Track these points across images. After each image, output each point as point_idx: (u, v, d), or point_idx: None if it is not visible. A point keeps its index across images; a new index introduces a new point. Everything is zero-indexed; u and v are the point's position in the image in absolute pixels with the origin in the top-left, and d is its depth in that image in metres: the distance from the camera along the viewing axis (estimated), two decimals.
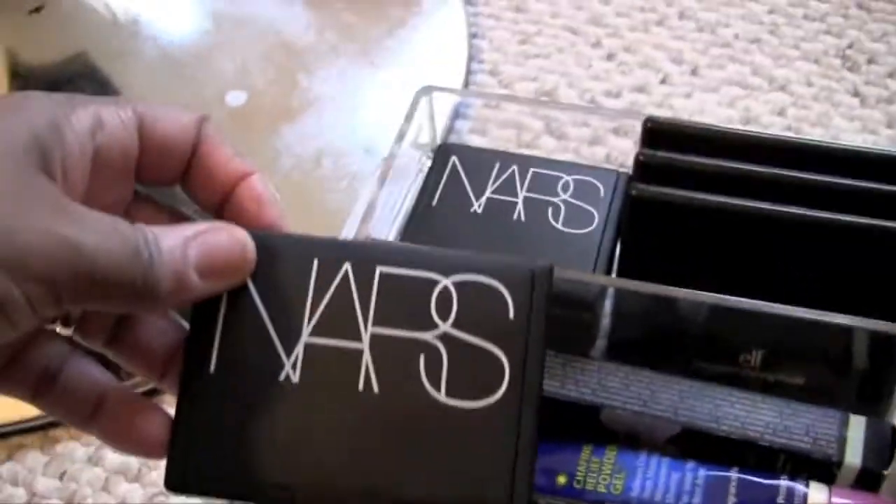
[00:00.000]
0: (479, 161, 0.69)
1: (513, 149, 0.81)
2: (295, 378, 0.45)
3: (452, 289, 0.46)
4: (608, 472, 0.61)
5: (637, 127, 0.66)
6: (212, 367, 0.45)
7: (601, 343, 0.68)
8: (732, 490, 0.60)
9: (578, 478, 0.61)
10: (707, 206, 0.62)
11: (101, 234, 0.39)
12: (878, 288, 0.62)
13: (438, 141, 0.72)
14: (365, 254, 0.46)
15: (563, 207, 0.66)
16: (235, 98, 0.86)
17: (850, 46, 0.88)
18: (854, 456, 0.60)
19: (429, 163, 0.70)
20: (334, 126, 0.85)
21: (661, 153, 0.64)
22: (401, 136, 0.68)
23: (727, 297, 0.60)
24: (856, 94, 0.85)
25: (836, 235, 0.61)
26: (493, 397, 0.45)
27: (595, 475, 0.61)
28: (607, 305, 0.67)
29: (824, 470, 0.60)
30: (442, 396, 0.45)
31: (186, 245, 0.42)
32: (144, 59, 0.86)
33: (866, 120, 0.83)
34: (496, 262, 0.46)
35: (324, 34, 0.90)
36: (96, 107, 0.43)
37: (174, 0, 0.91)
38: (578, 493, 0.61)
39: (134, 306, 0.42)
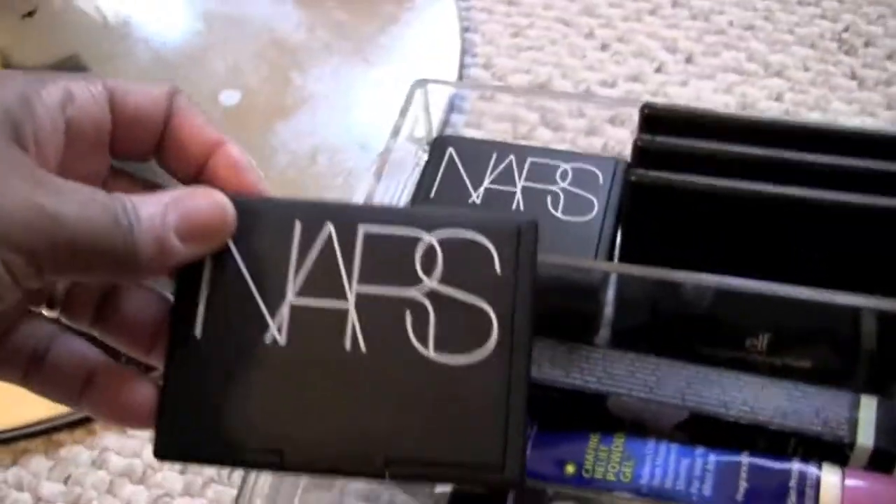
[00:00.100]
0: (476, 152, 0.68)
1: (509, 141, 0.81)
2: (281, 340, 0.44)
3: (437, 245, 0.45)
4: (617, 460, 0.61)
5: (634, 116, 0.65)
6: (197, 333, 0.45)
7: (605, 331, 0.67)
8: (743, 475, 0.59)
9: (587, 467, 0.61)
10: (708, 190, 0.62)
11: (79, 203, 0.39)
12: (884, 267, 0.61)
13: (434, 134, 0.72)
14: (347, 213, 0.46)
15: (562, 196, 0.65)
16: (229, 97, 0.85)
17: (846, 30, 0.88)
18: (866, 437, 0.59)
19: (425, 156, 0.69)
20: (329, 123, 0.84)
21: (659, 138, 0.64)
22: (396, 131, 0.68)
23: (731, 279, 0.59)
24: (853, 77, 0.84)
25: (839, 215, 0.61)
26: (482, 352, 0.44)
27: (604, 463, 0.60)
28: (610, 293, 0.66)
29: (836, 452, 0.60)
30: (430, 353, 0.44)
31: (165, 210, 0.41)
32: (136, 60, 0.86)
33: (865, 103, 0.83)
34: (480, 217, 0.46)
35: (316, 32, 0.90)
36: (66, 82, 0.43)
37: (165, 1, 0.90)
38: (587, 481, 0.60)
39: (116, 275, 0.42)
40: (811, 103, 0.83)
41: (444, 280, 0.45)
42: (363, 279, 0.45)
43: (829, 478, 0.59)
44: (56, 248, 0.38)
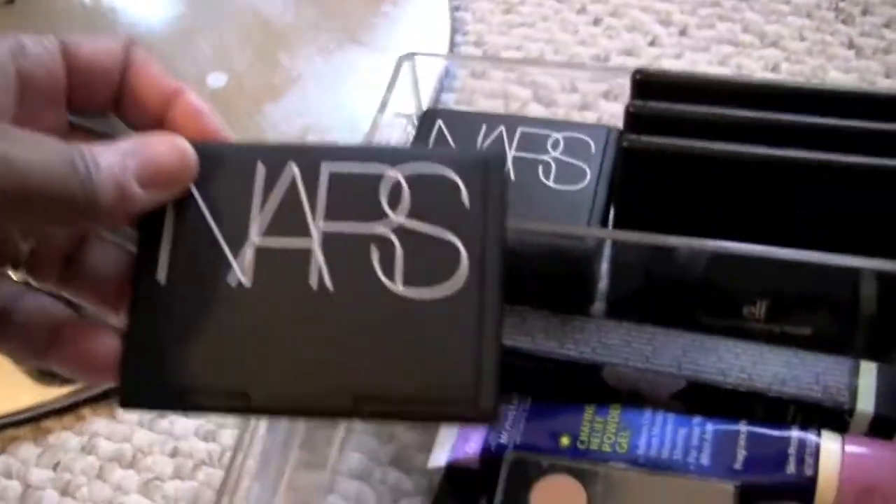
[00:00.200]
0: (466, 124, 0.67)
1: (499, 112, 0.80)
2: (246, 282, 0.43)
3: (403, 180, 0.44)
4: (613, 430, 0.59)
5: (627, 90, 0.64)
6: (161, 280, 0.44)
7: (601, 303, 0.66)
8: (742, 443, 0.58)
9: (582, 438, 0.60)
10: (701, 154, 0.61)
11: (33, 149, 0.38)
12: (881, 229, 0.60)
13: (424, 109, 0.70)
14: (311, 153, 0.45)
15: (553, 165, 0.64)
16: (216, 80, 0.84)
17: None
18: (866, 403, 0.58)
19: (414, 131, 0.68)
20: (318, 103, 0.83)
21: (651, 104, 0.63)
22: (384, 105, 0.67)
23: (728, 243, 0.58)
24: (851, 45, 0.83)
25: (835, 177, 0.60)
26: (452, 285, 0.42)
27: (599, 435, 0.59)
28: (605, 265, 0.65)
29: (836, 419, 0.59)
30: (399, 287, 0.43)
31: (125, 157, 0.40)
32: None
33: (863, 71, 0.82)
34: (447, 152, 0.44)
35: (303, 12, 0.89)
36: (16, 35, 0.42)
37: None
38: (583, 453, 0.59)
39: (77, 222, 0.41)
40: (808, 73, 0.82)
41: (411, 214, 0.43)
42: (328, 217, 0.44)
43: (829, 445, 0.58)
44: (11, 193, 0.37)
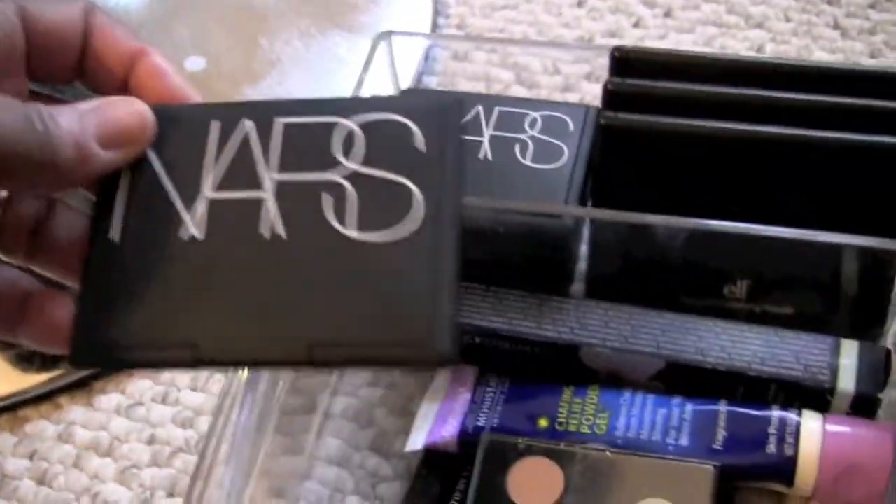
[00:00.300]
0: None
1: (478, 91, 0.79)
2: (199, 234, 0.43)
3: (357, 128, 0.43)
4: (591, 412, 0.59)
5: None
6: (115, 238, 0.43)
7: (580, 282, 0.65)
8: (722, 423, 0.58)
9: (560, 420, 0.59)
10: (680, 131, 0.60)
11: None
12: (862, 206, 0.59)
13: (401, 89, 0.70)
14: (265, 109, 0.45)
15: (530, 143, 0.63)
16: (194, 63, 0.84)
17: None
18: (847, 382, 0.58)
19: None
20: (298, 86, 0.83)
21: (629, 81, 0.62)
22: (359, 84, 0.66)
23: (708, 221, 0.57)
24: (836, 26, 0.82)
25: (815, 153, 0.59)
26: (406, 228, 0.42)
27: (577, 416, 0.59)
28: (584, 247, 0.64)
29: (818, 398, 0.58)
30: (352, 232, 0.42)
31: (84, 116, 0.40)
32: None
33: (848, 52, 0.81)
34: (402, 100, 0.45)
35: None
36: None
37: None
38: (561, 435, 0.58)
39: (35, 180, 0.41)
40: (793, 54, 0.81)
41: (365, 161, 0.43)
42: (282, 168, 0.43)
43: (810, 424, 0.57)
44: None
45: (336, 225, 0.42)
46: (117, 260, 0.43)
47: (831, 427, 0.57)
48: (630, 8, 0.85)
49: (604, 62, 0.64)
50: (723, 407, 0.58)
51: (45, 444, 0.69)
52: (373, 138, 0.43)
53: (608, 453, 0.57)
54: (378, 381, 0.67)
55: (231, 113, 0.45)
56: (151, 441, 0.68)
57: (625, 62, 0.63)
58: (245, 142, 0.44)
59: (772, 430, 0.57)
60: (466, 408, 0.61)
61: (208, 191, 0.43)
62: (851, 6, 0.84)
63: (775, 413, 0.58)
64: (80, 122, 0.40)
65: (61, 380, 0.71)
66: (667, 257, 0.60)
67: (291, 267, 0.42)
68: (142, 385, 0.71)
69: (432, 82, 0.82)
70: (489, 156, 0.63)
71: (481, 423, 0.60)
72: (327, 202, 0.42)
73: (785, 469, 0.56)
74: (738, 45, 0.82)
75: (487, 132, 0.64)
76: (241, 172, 0.43)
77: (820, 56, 0.81)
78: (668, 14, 0.85)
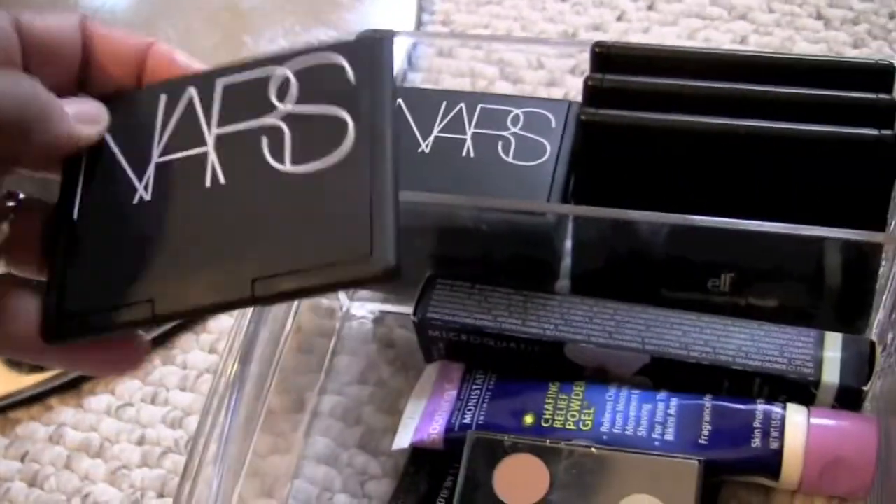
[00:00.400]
0: (426, 101, 0.66)
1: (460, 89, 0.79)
2: (147, 197, 0.44)
3: (291, 74, 0.45)
4: (577, 408, 0.59)
5: None
6: (75, 215, 0.45)
7: (565, 278, 0.65)
8: (707, 418, 0.58)
9: (546, 416, 0.59)
10: (660, 126, 0.60)
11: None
12: (845, 199, 0.59)
13: None
14: (207, 75, 0.46)
15: (513, 140, 0.63)
16: None
17: None
18: (831, 374, 0.58)
19: None
20: None
21: (610, 76, 0.62)
22: None
23: (690, 216, 0.57)
24: (819, 16, 0.82)
25: (796, 146, 0.59)
26: (339, 152, 0.43)
27: (563, 412, 0.59)
28: (567, 241, 0.65)
29: (802, 391, 0.58)
30: (287, 167, 0.43)
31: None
32: None
33: (831, 42, 0.81)
34: (332, 42, 0.45)
35: None
36: None
37: None
38: (547, 431, 0.59)
39: (29, 149, 0.42)
40: (776, 45, 0.81)
41: (299, 101, 0.44)
42: (221, 123, 0.45)
43: (795, 417, 0.57)
44: None
45: (273, 163, 0.43)
46: (78, 236, 0.45)
47: (816, 420, 0.57)
48: (614, 2, 0.85)
49: (587, 56, 0.64)
50: (708, 401, 0.58)
51: (36, 445, 0.70)
52: (305, 80, 0.44)
53: (593, 450, 0.57)
54: (366, 380, 0.68)
55: (176, 85, 0.46)
56: (141, 441, 0.69)
57: (606, 58, 0.63)
58: (188, 106, 0.46)
59: (757, 423, 0.57)
60: (452, 405, 0.61)
61: (156, 156, 0.45)
62: None
63: (760, 407, 0.58)
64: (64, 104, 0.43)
65: (51, 382, 0.71)
66: (650, 252, 0.61)
67: (232, 210, 0.43)
68: (131, 385, 0.71)
69: (417, 79, 0.82)
70: (472, 153, 0.63)
71: (467, 420, 0.60)
72: (264, 144, 0.44)
73: (771, 462, 0.57)
74: (722, 36, 0.82)
75: (470, 130, 0.64)
76: (186, 134, 0.45)
77: (803, 46, 0.81)
78: (651, 7, 0.85)
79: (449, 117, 0.65)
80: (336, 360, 0.69)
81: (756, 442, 0.57)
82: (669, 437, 0.57)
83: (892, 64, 0.61)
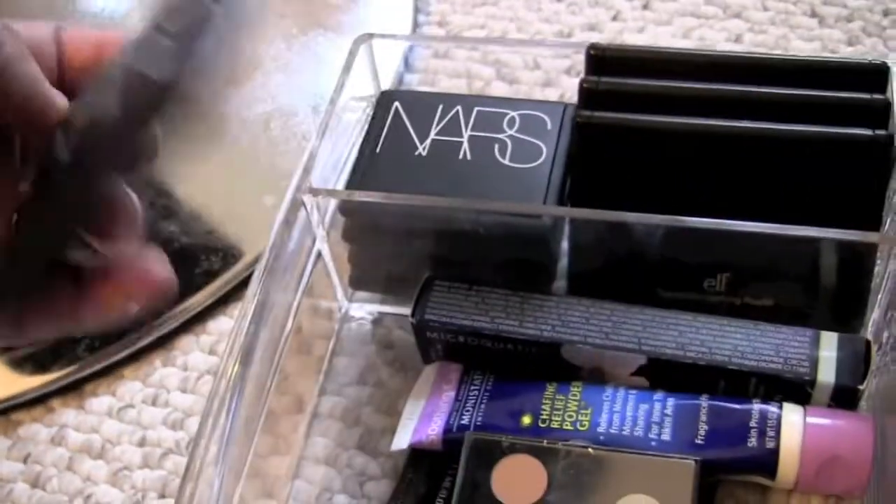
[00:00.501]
0: (422, 104, 0.67)
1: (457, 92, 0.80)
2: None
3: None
4: (574, 408, 0.59)
5: None
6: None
7: (562, 279, 0.66)
8: (703, 418, 0.58)
9: (543, 417, 0.60)
10: (655, 128, 0.61)
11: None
12: (840, 199, 0.60)
13: (382, 90, 0.70)
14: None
15: (509, 143, 0.64)
16: None
17: None
18: (827, 374, 0.58)
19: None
20: (281, 88, 0.83)
21: (605, 79, 0.62)
22: (340, 87, 0.66)
23: (686, 218, 0.58)
24: (813, 14, 0.83)
25: (791, 147, 0.59)
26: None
27: (560, 413, 0.59)
28: (564, 242, 0.65)
29: (798, 390, 0.59)
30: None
31: None
32: None
33: (826, 40, 0.81)
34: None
35: None
36: None
37: None
38: (545, 432, 0.59)
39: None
40: (771, 43, 0.82)
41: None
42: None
43: (791, 416, 0.58)
44: None
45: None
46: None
47: (812, 419, 0.58)
48: (609, 1, 0.86)
49: (583, 57, 0.64)
50: (704, 401, 0.59)
51: (39, 447, 0.70)
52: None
53: (590, 450, 0.57)
54: (365, 380, 0.68)
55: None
56: (142, 443, 0.69)
57: (601, 60, 0.64)
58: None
59: (753, 423, 0.58)
60: (451, 406, 0.61)
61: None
62: None
63: (756, 406, 0.58)
64: None
65: (53, 384, 0.72)
66: (646, 253, 0.61)
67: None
68: (132, 387, 0.72)
69: (413, 80, 0.83)
70: (468, 156, 0.63)
71: (465, 421, 0.60)
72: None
73: (767, 462, 0.57)
74: (717, 35, 0.83)
75: (467, 133, 0.64)
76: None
77: (797, 44, 0.81)
78: (646, 6, 0.85)
79: (445, 120, 0.65)
80: (335, 361, 0.69)
81: (752, 441, 0.57)
82: (666, 437, 0.58)
83: (885, 64, 0.61)
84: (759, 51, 0.81)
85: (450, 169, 0.63)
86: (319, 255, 0.66)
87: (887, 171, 0.58)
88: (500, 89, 0.81)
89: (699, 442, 0.57)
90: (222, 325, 0.73)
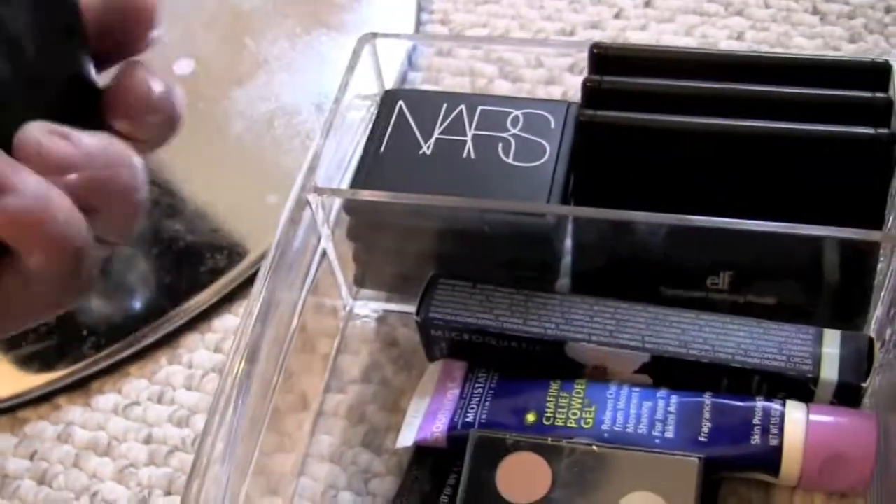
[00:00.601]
0: (427, 104, 0.67)
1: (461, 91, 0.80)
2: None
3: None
4: (578, 406, 0.60)
5: None
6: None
7: (566, 277, 0.66)
8: (707, 415, 0.58)
9: (548, 415, 0.60)
10: (657, 127, 0.61)
11: None
12: (842, 197, 0.60)
13: (386, 89, 0.70)
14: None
15: (513, 142, 0.64)
16: (183, 66, 0.84)
17: None
18: (830, 371, 0.59)
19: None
20: (285, 87, 0.83)
21: (608, 78, 0.63)
22: (344, 87, 0.66)
23: (689, 216, 0.58)
24: (815, 11, 0.83)
25: (794, 146, 0.60)
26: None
27: (564, 410, 0.60)
28: (567, 240, 0.65)
29: (801, 388, 0.59)
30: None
31: None
32: None
33: (827, 37, 0.81)
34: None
35: None
36: None
37: None
38: (549, 429, 0.59)
39: None
40: (773, 41, 0.82)
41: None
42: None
43: (794, 414, 0.58)
44: None
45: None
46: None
47: (815, 417, 0.58)
48: None
49: (587, 54, 0.64)
50: (707, 399, 0.59)
51: (45, 444, 0.70)
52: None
53: (595, 448, 0.58)
54: (369, 378, 0.68)
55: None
56: (148, 440, 0.69)
57: (604, 59, 0.64)
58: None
59: (756, 420, 0.58)
60: (455, 404, 0.62)
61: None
62: None
63: (759, 404, 0.58)
64: None
65: (60, 381, 0.72)
66: (649, 251, 0.61)
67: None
68: (138, 385, 0.72)
69: (417, 78, 0.83)
70: (472, 155, 0.64)
71: (470, 418, 0.61)
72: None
73: (770, 459, 0.57)
74: (719, 32, 0.83)
75: (471, 131, 0.65)
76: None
77: (799, 41, 0.81)
78: (648, 4, 0.85)
79: (450, 119, 0.65)
80: (339, 359, 0.70)
81: (756, 439, 0.57)
82: (670, 434, 0.58)
83: (888, 62, 0.61)
84: (760, 48, 0.81)
85: (454, 168, 0.63)
86: (324, 253, 0.66)
87: (889, 169, 0.59)
88: (502, 87, 0.81)
89: (702, 439, 0.58)
90: (227, 322, 0.74)
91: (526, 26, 0.86)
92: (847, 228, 0.57)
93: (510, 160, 0.63)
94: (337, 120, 0.65)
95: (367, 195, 0.63)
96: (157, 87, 0.40)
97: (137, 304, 0.75)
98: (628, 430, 0.59)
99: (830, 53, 0.80)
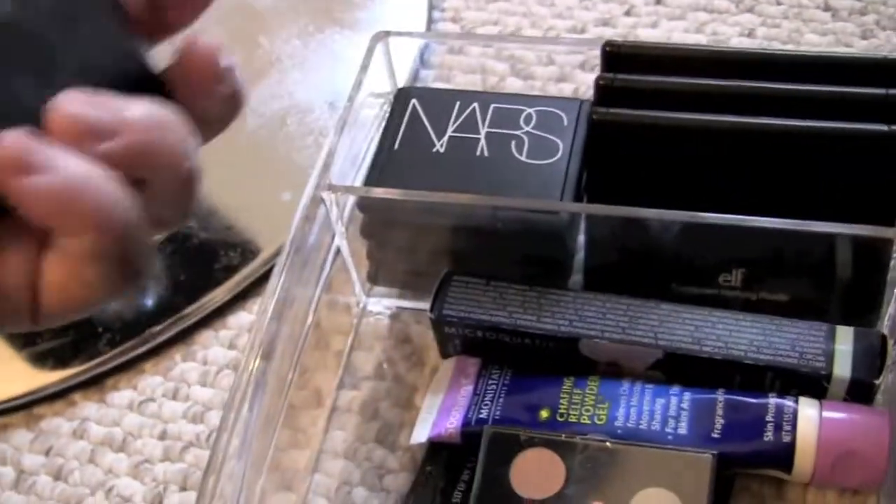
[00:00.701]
0: (440, 102, 0.67)
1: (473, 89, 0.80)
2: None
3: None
4: (591, 402, 0.60)
5: None
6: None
7: (579, 274, 0.66)
8: (720, 412, 0.59)
9: (561, 411, 0.60)
10: (670, 124, 0.61)
11: None
12: (856, 195, 0.60)
13: (399, 87, 0.71)
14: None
15: (526, 140, 0.64)
16: None
17: None
18: (843, 368, 0.59)
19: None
20: (298, 84, 0.84)
21: (620, 76, 0.63)
22: (357, 85, 0.67)
23: (701, 213, 0.58)
24: (827, 8, 0.83)
25: (806, 143, 0.60)
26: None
27: (578, 407, 0.60)
28: (580, 237, 0.66)
29: (814, 384, 0.59)
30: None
31: None
32: None
33: (839, 33, 0.82)
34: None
35: None
36: None
37: None
38: (562, 426, 0.59)
39: None
40: (784, 37, 0.82)
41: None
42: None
43: (807, 410, 0.58)
44: None
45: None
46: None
47: (828, 413, 0.58)
48: None
49: (597, 52, 0.65)
50: (721, 395, 0.59)
51: (61, 440, 0.71)
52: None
53: (608, 444, 0.58)
54: (383, 375, 0.69)
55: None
56: (163, 436, 0.70)
57: (616, 56, 0.64)
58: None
59: (769, 417, 0.58)
60: (469, 400, 0.62)
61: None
62: None
63: (772, 400, 0.59)
64: None
65: (75, 378, 0.73)
66: (662, 249, 0.61)
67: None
68: (153, 381, 0.72)
69: (429, 76, 0.83)
70: (486, 152, 0.64)
71: (484, 415, 0.61)
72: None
73: (783, 456, 0.57)
74: (730, 29, 0.83)
75: (484, 129, 0.65)
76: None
77: (811, 38, 0.82)
78: (659, 1, 0.85)
79: (463, 117, 0.66)
80: (353, 355, 0.70)
81: (768, 435, 0.58)
82: (682, 430, 0.58)
83: None
84: (772, 45, 0.81)
85: (467, 165, 0.64)
86: (338, 250, 0.67)
87: None
88: (514, 85, 0.81)
89: (715, 436, 0.58)
90: (241, 319, 0.74)
91: (537, 24, 0.86)
92: (860, 225, 0.57)
93: (523, 158, 0.63)
94: (351, 117, 0.65)
95: (380, 192, 0.63)
96: (223, 59, 0.38)
97: (151, 302, 0.76)
98: (641, 426, 0.59)
99: (842, 50, 0.80)
